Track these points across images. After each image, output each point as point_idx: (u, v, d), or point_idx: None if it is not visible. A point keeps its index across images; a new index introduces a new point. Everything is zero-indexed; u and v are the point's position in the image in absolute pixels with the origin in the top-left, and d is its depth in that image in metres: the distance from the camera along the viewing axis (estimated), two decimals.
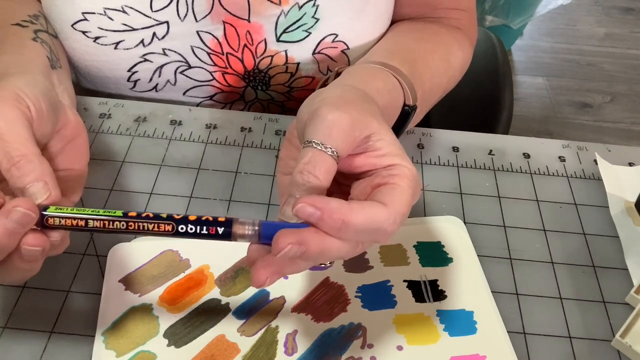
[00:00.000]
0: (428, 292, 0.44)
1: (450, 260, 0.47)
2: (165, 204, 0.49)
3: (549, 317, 0.44)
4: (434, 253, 0.47)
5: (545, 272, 0.47)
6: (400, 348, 0.41)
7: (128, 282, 0.44)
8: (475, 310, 0.43)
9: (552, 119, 1.77)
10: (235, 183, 0.51)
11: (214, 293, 0.43)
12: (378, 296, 0.44)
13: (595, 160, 0.56)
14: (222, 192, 0.51)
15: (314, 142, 0.35)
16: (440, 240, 0.48)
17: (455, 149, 0.56)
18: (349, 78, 0.44)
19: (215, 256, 0.46)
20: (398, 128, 0.47)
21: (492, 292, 0.45)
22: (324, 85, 0.49)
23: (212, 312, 0.42)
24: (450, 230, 0.49)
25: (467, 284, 0.45)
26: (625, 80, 1.94)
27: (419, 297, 0.44)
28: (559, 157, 0.57)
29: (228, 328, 0.42)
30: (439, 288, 0.45)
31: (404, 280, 0.45)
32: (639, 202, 0.51)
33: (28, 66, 0.46)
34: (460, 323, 0.43)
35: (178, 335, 0.41)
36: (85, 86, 0.64)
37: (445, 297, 0.44)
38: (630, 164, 0.56)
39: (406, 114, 0.47)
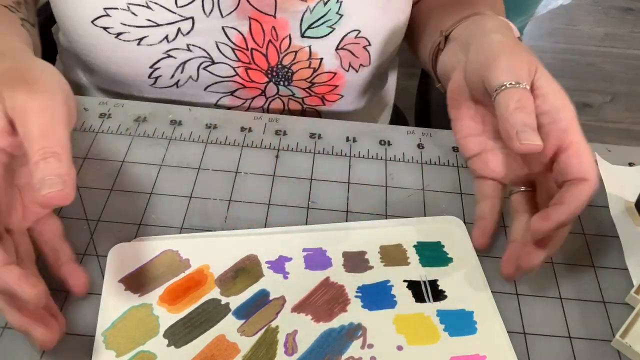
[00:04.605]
0: (428, 292, 0.44)
1: (450, 260, 0.47)
2: (165, 204, 0.49)
3: (549, 317, 0.44)
4: (434, 253, 0.47)
5: (545, 272, 0.47)
6: (400, 348, 0.41)
7: (128, 282, 0.44)
8: (475, 310, 0.43)
9: None
10: (235, 183, 0.51)
11: (214, 293, 0.43)
12: (378, 296, 0.44)
13: (595, 161, 0.56)
14: (222, 192, 0.51)
15: (509, 83, 0.41)
16: (441, 240, 0.48)
17: (455, 149, 0.56)
18: (483, 27, 0.50)
19: (216, 256, 0.46)
20: None
21: (492, 292, 0.45)
22: (435, 53, 0.55)
23: (212, 312, 0.42)
24: (450, 231, 0.48)
25: (467, 284, 0.45)
26: (625, 80, 1.94)
27: (419, 297, 0.44)
28: None
29: (228, 328, 0.41)
30: (439, 288, 0.45)
31: (404, 280, 0.45)
32: (639, 202, 0.51)
33: (28, 50, 0.47)
34: (460, 323, 0.43)
35: (178, 336, 0.41)
36: (99, 85, 0.63)
37: (445, 297, 0.44)
38: (630, 164, 0.56)
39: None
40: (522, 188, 0.47)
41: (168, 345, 0.40)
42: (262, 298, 0.43)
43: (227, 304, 0.43)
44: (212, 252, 0.46)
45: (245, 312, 0.42)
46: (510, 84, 0.42)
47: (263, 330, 0.41)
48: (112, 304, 0.42)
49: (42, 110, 0.37)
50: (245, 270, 0.45)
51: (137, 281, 0.44)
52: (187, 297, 0.43)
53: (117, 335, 0.40)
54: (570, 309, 0.45)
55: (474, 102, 0.48)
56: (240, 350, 0.40)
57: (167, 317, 0.42)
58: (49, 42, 0.78)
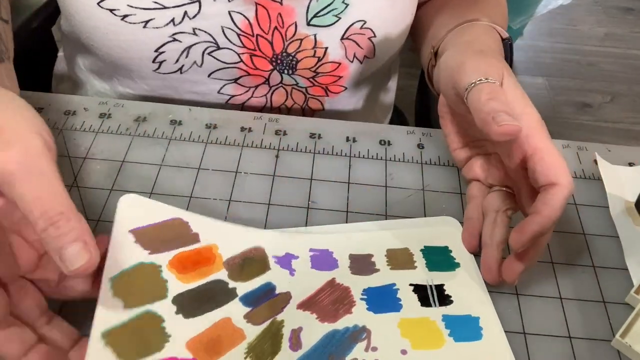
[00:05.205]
0: (434, 296, 0.44)
1: (457, 265, 0.46)
2: (165, 204, 0.49)
3: (549, 317, 0.44)
4: (441, 257, 0.47)
5: (545, 272, 0.47)
6: (404, 352, 0.40)
7: (138, 235, 0.42)
8: (481, 316, 0.43)
9: (552, 119, 1.77)
10: (235, 183, 0.51)
11: (222, 275, 0.43)
12: (383, 299, 0.43)
13: (595, 160, 0.56)
14: (222, 192, 0.51)
15: (478, 79, 0.42)
16: (448, 245, 0.48)
17: None
18: (459, 40, 0.53)
19: (225, 238, 0.45)
20: (509, 64, 0.53)
21: (492, 292, 0.45)
22: (430, 69, 0.57)
23: (219, 293, 0.42)
24: (457, 235, 0.48)
25: (474, 289, 0.45)
26: (625, 80, 1.94)
27: (424, 302, 0.43)
28: None
29: (234, 313, 0.41)
30: (445, 293, 0.44)
31: (410, 284, 0.45)
32: (639, 202, 0.51)
33: None
34: (465, 329, 0.42)
35: (186, 305, 0.40)
36: (100, 74, 0.63)
37: (451, 302, 0.44)
38: (630, 164, 0.56)
39: (508, 46, 0.55)
40: (502, 188, 0.47)
41: (177, 313, 0.39)
42: (268, 291, 0.43)
43: (235, 288, 0.42)
44: (221, 234, 0.45)
45: (251, 300, 0.42)
46: (480, 80, 0.42)
47: (269, 322, 0.41)
48: (121, 253, 0.40)
49: (25, 168, 0.33)
50: (252, 260, 0.44)
51: (147, 237, 0.42)
52: (196, 271, 0.42)
53: (125, 286, 0.39)
54: (570, 309, 0.45)
55: (453, 115, 0.50)
56: (246, 336, 0.40)
57: (176, 284, 0.41)
58: (49, 43, 0.79)
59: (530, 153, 0.41)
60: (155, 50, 0.56)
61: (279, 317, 0.41)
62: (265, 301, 0.42)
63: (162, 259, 0.42)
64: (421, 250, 0.47)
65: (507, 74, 0.44)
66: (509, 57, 0.55)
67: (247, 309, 0.41)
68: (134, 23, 0.54)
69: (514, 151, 0.42)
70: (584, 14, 2.21)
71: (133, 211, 0.43)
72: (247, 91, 0.62)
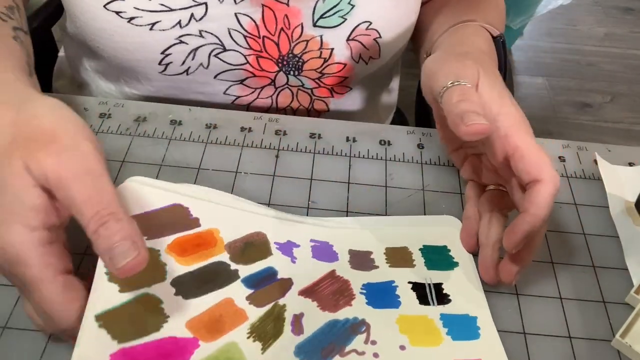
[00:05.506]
0: (432, 295, 0.44)
1: (456, 264, 0.46)
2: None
3: (549, 317, 0.44)
4: (439, 256, 0.47)
5: (545, 272, 0.47)
6: (403, 348, 0.41)
7: (135, 221, 0.41)
8: (479, 315, 0.43)
9: (552, 119, 1.77)
10: (235, 183, 0.51)
11: (224, 257, 0.42)
12: (383, 295, 0.44)
13: (595, 160, 0.56)
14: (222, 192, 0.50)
15: (450, 83, 0.43)
16: (447, 244, 0.48)
17: None
18: (445, 43, 0.54)
19: (226, 223, 0.44)
20: (503, 61, 0.55)
21: (492, 292, 0.45)
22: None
23: (221, 274, 0.41)
24: (456, 235, 0.48)
25: (472, 289, 0.45)
26: (625, 80, 1.94)
27: (423, 300, 0.44)
28: (559, 157, 0.57)
29: (237, 294, 0.41)
30: (444, 292, 0.44)
31: (409, 282, 0.45)
32: (639, 202, 0.51)
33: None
34: (463, 328, 0.42)
35: (186, 287, 0.39)
36: (105, 74, 0.63)
37: (449, 300, 0.44)
38: (630, 164, 0.56)
39: (500, 43, 0.55)
40: (497, 187, 0.48)
41: (175, 295, 0.39)
42: (270, 275, 0.43)
43: (237, 270, 0.42)
44: (222, 218, 0.45)
45: (253, 282, 0.42)
46: (452, 83, 0.43)
47: (271, 305, 0.41)
48: None
49: (78, 173, 0.34)
50: (253, 245, 0.44)
51: (144, 224, 0.41)
52: (197, 254, 0.42)
53: None
54: (570, 309, 0.45)
55: (443, 118, 0.50)
56: (248, 317, 0.40)
57: (176, 267, 0.40)
58: (49, 43, 0.78)
59: (511, 152, 0.41)
60: (162, 53, 0.56)
61: (281, 302, 0.41)
62: (267, 285, 0.42)
63: (161, 243, 0.41)
64: (420, 249, 0.47)
65: (484, 75, 0.44)
66: (502, 55, 0.55)
67: (250, 291, 0.41)
68: (140, 25, 0.54)
69: (496, 151, 0.43)
70: (583, 14, 2.21)
71: (131, 199, 0.43)
72: (252, 92, 0.62)
